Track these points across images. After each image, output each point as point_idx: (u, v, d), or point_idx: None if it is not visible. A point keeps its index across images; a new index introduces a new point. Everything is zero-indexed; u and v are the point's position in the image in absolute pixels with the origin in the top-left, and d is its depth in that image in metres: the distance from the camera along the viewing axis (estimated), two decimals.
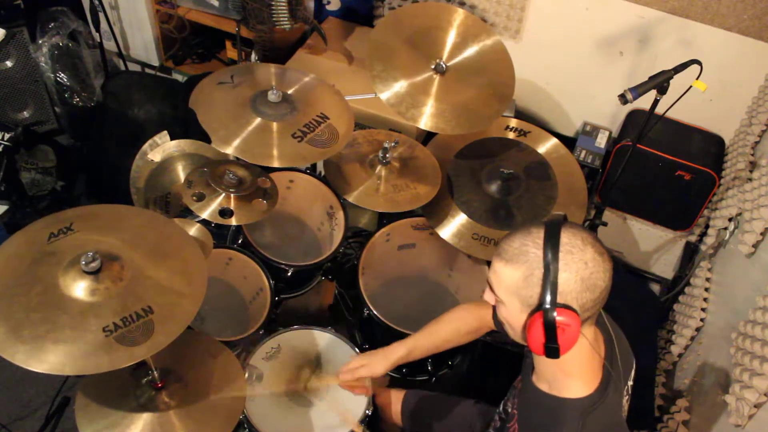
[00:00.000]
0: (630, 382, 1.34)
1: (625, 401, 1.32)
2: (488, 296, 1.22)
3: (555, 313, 1.08)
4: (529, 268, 1.10)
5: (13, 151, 2.48)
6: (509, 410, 1.38)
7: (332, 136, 1.86)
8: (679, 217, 2.74)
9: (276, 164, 1.76)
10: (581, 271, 1.08)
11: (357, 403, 1.76)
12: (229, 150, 1.73)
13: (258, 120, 1.81)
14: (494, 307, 1.23)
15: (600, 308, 1.15)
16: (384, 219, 2.20)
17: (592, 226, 2.49)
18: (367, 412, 1.75)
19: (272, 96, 1.84)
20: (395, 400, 1.83)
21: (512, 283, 1.13)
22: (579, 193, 2.11)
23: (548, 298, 1.08)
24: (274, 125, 1.81)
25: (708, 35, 2.47)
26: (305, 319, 2.19)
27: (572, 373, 1.20)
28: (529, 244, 1.11)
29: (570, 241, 1.09)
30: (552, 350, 1.12)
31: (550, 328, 1.09)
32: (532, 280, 1.10)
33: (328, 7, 3.12)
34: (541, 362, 1.26)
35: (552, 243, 1.08)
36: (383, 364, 1.63)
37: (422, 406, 1.81)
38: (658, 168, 2.58)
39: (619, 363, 1.27)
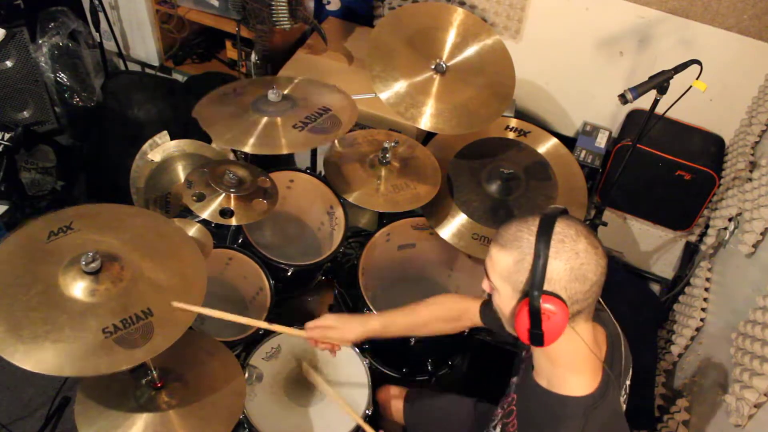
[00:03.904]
0: (628, 381, 1.34)
1: (623, 400, 1.32)
2: (485, 284, 1.23)
3: (541, 300, 1.09)
4: (521, 254, 1.12)
5: (13, 151, 2.48)
6: (505, 407, 1.39)
7: (334, 123, 1.86)
8: (679, 217, 2.74)
9: (285, 151, 1.76)
10: (571, 260, 1.09)
11: (357, 403, 1.76)
12: (246, 148, 1.74)
13: (263, 119, 1.82)
14: (486, 300, 1.24)
15: (593, 302, 1.16)
16: (384, 219, 2.20)
17: (592, 226, 2.49)
18: (367, 412, 1.75)
19: (272, 96, 1.84)
20: (397, 398, 1.83)
21: (505, 268, 1.15)
22: (579, 193, 2.11)
23: (536, 283, 1.09)
24: (278, 119, 1.83)
25: (708, 35, 2.47)
26: (305, 319, 2.19)
27: (570, 370, 1.20)
28: (524, 231, 1.13)
29: (563, 230, 1.11)
30: (536, 337, 1.13)
31: (535, 314, 1.10)
32: (523, 266, 1.12)
33: (328, 7, 3.12)
34: (539, 358, 1.26)
35: (545, 231, 1.10)
36: (355, 333, 1.57)
37: (424, 405, 1.81)
38: (658, 168, 2.58)
39: (622, 362, 1.27)
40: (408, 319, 1.62)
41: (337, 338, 1.58)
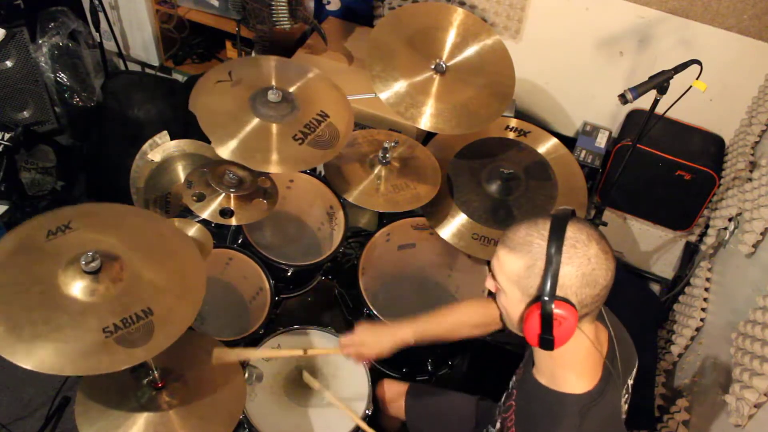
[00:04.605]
0: (630, 381, 1.34)
1: (624, 400, 1.32)
2: (489, 283, 1.23)
3: (553, 305, 1.08)
4: (532, 258, 1.11)
5: (13, 151, 2.48)
6: (505, 404, 1.39)
7: (333, 135, 1.85)
8: (679, 217, 2.74)
9: (274, 170, 1.74)
10: (583, 266, 1.09)
11: (357, 403, 1.77)
12: (226, 154, 1.71)
13: (256, 121, 1.80)
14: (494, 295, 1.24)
15: (600, 306, 1.16)
16: (384, 219, 2.20)
17: None
18: (367, 412, 1.75)
19: (272, 96, 1.82)
20: (398, 394, 1.83)
21: (514, 271, 1.14)
22: (579, 193, 2.11)
23: (548, 289, 1.08)
24: (274, 127, 1.81)
25: (708, 35, 2.47)
26: (305, 319, 2.19)
27: (571, 368, 1.20)
28: (534, 235, 1.12)
29: (575, 235, 1.10)
30: (546, 342, 1.13)
31: (547, 320, 1.10)
32: (534, 271, 1.11)
33: (328, 7, 3.12)
34: (540, 356, 1.26)
35: (557, 235, 1.09)
36: (387, 347, 1.56)
37: (425, 401, 1.81)
38: (658, 168, 2.58)
39: (618, 362, 1.27)
40: (439, 328, 1.61)
41: (370, 354, 1.59)
